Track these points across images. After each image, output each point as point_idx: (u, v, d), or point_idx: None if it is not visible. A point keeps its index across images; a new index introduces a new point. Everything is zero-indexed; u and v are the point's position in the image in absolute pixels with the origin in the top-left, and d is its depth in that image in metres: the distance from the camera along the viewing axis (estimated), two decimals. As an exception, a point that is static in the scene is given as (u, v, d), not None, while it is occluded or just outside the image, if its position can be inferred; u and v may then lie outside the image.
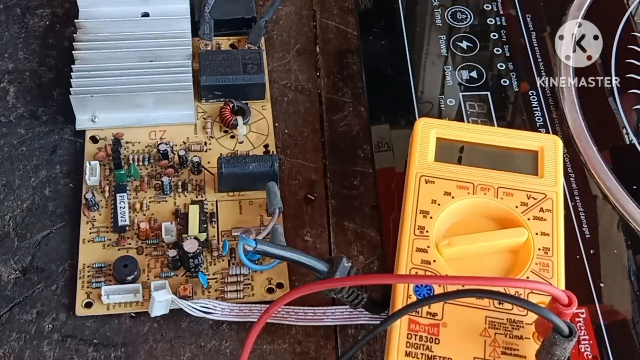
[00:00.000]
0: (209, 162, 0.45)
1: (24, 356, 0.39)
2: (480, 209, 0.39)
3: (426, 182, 0.40)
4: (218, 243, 0.42)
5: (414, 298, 0.36)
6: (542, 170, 0.40)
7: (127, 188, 0.44)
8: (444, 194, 0.39)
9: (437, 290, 0.36)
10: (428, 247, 0.38)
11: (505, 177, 0.40)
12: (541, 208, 0.39)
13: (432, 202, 0.39)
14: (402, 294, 0.36)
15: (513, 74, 0.50)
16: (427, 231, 0.38)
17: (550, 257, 0.37)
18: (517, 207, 0.39)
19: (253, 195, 0.44)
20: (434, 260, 0.37)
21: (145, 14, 0.50)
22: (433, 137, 0.42)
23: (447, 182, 0.40)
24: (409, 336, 0.35)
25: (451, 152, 0.41)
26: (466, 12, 0.53)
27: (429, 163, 0.41)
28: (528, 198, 0.39)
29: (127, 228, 0.43)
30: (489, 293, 0.34)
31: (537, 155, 0.41)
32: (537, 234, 0.38)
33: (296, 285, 0.41)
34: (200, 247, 0.40)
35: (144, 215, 0.43)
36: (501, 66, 0.50)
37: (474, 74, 0.50)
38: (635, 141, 0.47)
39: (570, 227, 0.42)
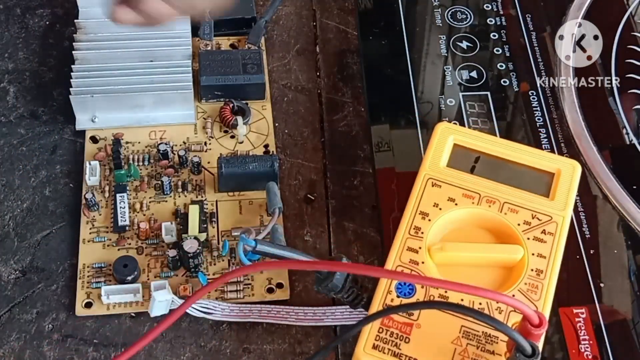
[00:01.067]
0: (209, 162, 0.45)
1: (24, 356, 0.39)
2: (481, 221, 0.39)
3: (432, 185, 0.40)
4: (218, 243, 0.42)
5: (394, 294, 0.36)
6: (554, 193, 0.40)
7: (127, 188, 0.44)
8: (448, 200, 0.39)
9: (421, 291, 0.36)
10: (419, 248, 0.37)
11: (514, 193, 0.39)
12: (544, 230, 0.38)
13: (434, 206, 0.39)
14: (383, 290, 0.36)
15: (513, 74, 0.50)
16: (422, 232, 0.38)
17: (541, 280, 0.37)
18: (519, 224, 0.38)
19: (253, 195, 0.44)
20: (423, 262, 0.37)
21: (145, 14, 0.50)
22: (450, 142, 0.41)
23: (454, 188, 0.40)
24: (380, 330, 0.35)
25: (465, 160, 0.41)
26: (466, 12, 0.53)
27: (440, 167, 0.40)
28: (532, 218, 0.39)
29: (127, 228, 0.43)
30: (458, 307, 0.34)
31: (552, 178, 0.40)
32: (533, 254, 0.37)
33: (296, 285, 0.41)
34: (200, 247, 0.40)
35: (144, 215, 0.43)
36: (501, 66, 0.50)
37: (474, 74, 0.50)
38: (635, 141, 0.47)
39: (571, 227, 0.42)
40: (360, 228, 0.44)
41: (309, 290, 0.41)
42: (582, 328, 0.39)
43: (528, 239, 0.38)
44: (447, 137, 0.41)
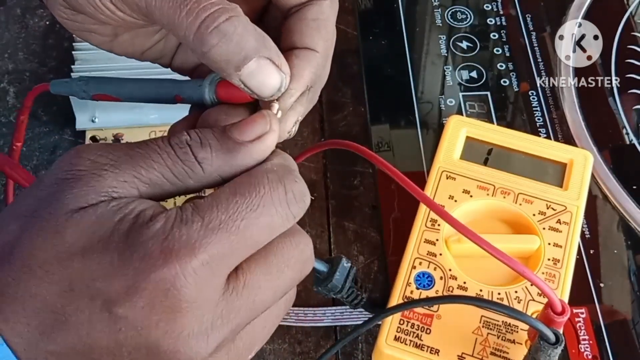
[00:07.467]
0: (209, 162, 0.45)
1: (24, 356, 0.39)
2: (497, 212, 0.39)
3: (447, 178, 0.40)
4: (218, 243, 0.42)
5: (413, 286, 0.36)
6: (567, 183, 0.40)
7: (127, 188, 0.44)
8: (463, 192, 0.39)
9: (439, 282, 0.37)
10: (437, 240, 0.38)
11: (528, 184, 0.40)
12: (559, 220, 0.39)
13: (449, 198, 0.39)
14: (403, 282, 0.37)
15: (513, 74, 0.50)
16: (439, 225, 0.38)
17: (558, 269, 0.37)
18: (534, 215, 0.39)
19: (253, 195, 0.44)
20: (440, 254, 0.37)
21: (145, 14, 0.50)
22: (463, 135, 0.42)
23: (469, 180, 0.40)
24: (402, 322, 0.35)
25: (478, 153, 0.41)
26: (466, 12, 0.53)
27: (454, 160, 0.41)
28: (547, 208, 0.39)
29: (127, 228, 0.42)
30: (477, 301, 0.34)
31: (565, 168, 0.41)
32: (549, 244, 0.38)
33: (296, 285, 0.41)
34: (200, 247, 0.40)
35: (144, 215, 0.43)
36: (501, 66, 0.50)
37: (474, 74, 0.50)
38: (635, 141, 0.47)
39: (570, 227, 0.42)
40: (360, 228, 0.44)
41: (308, 290, 0.41)
42: (582, 328, 0.39)
43: (544, 229, 0.38)
44: (459, 130, 0.42)
